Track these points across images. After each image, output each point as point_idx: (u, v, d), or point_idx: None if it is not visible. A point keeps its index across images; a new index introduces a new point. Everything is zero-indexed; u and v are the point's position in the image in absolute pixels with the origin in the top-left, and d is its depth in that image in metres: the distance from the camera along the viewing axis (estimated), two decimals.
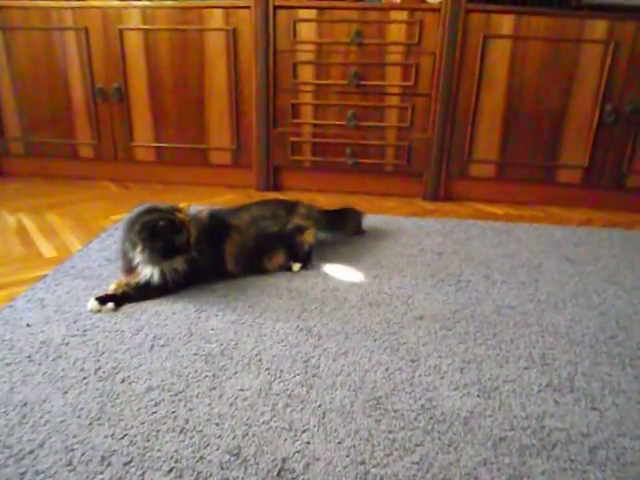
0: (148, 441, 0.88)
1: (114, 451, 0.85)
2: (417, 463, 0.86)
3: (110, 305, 1.28)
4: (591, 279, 1.55)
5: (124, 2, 2.12)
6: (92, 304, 1.28)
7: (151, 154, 2.32)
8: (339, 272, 1.53)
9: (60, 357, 1.09)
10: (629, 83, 2.00)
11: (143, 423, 0.92)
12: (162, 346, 1.14)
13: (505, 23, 1.97)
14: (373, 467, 0.85)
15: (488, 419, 0.97)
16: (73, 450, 0.85)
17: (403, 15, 2.00)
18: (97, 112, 2.28)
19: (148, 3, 2.11)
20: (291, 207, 1.59)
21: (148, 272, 1.33)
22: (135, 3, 2.11)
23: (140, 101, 2.24)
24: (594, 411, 1.00)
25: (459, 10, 1.95)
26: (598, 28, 1.95)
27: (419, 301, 1.38)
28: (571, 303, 1.41)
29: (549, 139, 2.11)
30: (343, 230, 1.78)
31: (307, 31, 2.06)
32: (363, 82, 2.09)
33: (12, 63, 2.26)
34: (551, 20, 1.95)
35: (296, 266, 1.53)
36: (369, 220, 1.93)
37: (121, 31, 2.14)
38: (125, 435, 0.89)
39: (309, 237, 1.55)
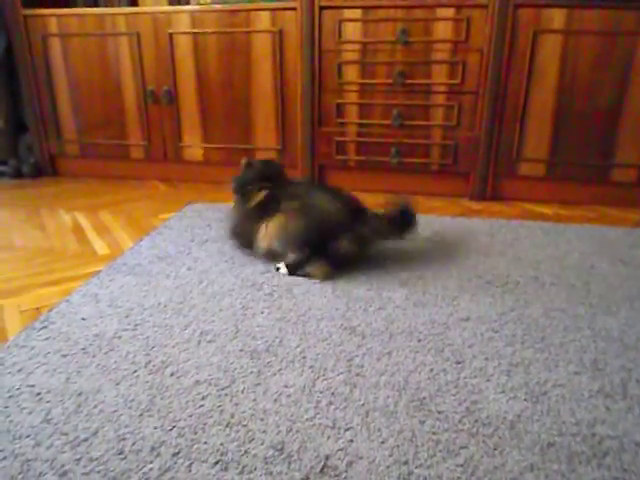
0: (195, 433, 0.90)
1: (163, 442, 0.88)
2: (461, 465, 0.85)
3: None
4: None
5: (174, 7, 2.18)
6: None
7: (199, 154, 2.37)
8: (384, 272, 1.52)
9: (112, 350, 1.13)
10: None
11: (191, 416, 0.94)
12: (209, 342, 1.17)
13: (556, 17, 1.91)
14: (416, 468, 0.84)
15: (536, 424, 0.94)
16: (124, 439, 0.88)
17: (449, 12, 1.97)
18: (148, 114, 2.35)
19: (197, 7, 2.16)
20: (359, 213, 1.51)
21: None
22: (184, 8, 2.17)
23: (189, 103, 2.30)
24: None
25: (508, 5, 1.91)
26: None
27: (465, 302, 1.36)
28: (625, 307, 1.35)
29: (602, 137, 2.03)
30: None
31: (352, 31, 2.06)
32: (409, 81, 2.08)
33: (69, 68, 2.36)
34: (605, 13, 1.88)
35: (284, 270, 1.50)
36: None
37: (171, 35, 2.20)
38: (174, 427, 0.91)
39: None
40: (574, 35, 1.92)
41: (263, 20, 2.11)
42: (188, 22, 2.17)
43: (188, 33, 2.19)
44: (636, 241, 1.77)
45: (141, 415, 0.94)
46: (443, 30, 2.00)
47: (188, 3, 2.33)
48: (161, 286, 1.41)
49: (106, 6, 2.44)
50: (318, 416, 0.94)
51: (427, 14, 1.99)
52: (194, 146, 2.36)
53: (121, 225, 1.90)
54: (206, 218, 1.93)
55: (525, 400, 1.00)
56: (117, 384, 1.02)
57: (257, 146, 2.30)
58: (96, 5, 2.48)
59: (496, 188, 2.19)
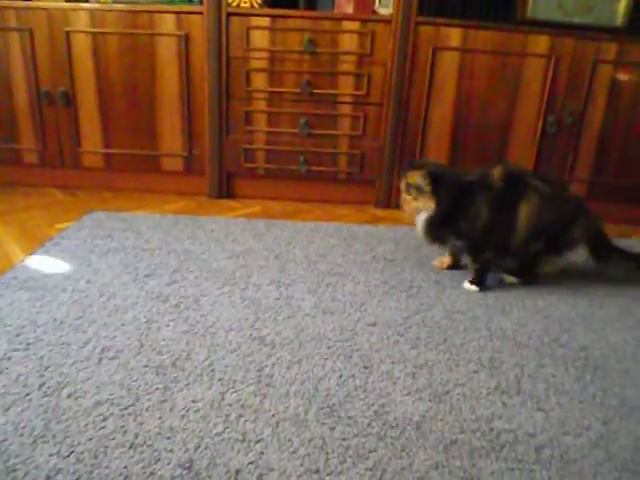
0: (96, 458, 0.85)
1: (59, 470, 0.82)
2: (371, 469, 0.87)
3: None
4: (536, 283, 1.61)
5: (71, 4, 2.06)
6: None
7: (99, 160, 2.25)
8: (292, 280, 1.53)
9: (1, 373, 1.04)
10: (569, 96, 2.10)
11: (91, 439, 0.89)
12: (111, 359, 1.11)
13: (453, 36, 2.03)
14: (327, 475, 0.85)
15: (439, 423, 0.99)
16: (15, 470, 0.81)
17: (355, 25, 2.03)
18: (42, 116, 2.20)
19: (97, 5, 2.06)
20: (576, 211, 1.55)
21: None
22: (83, 5, 2.06)
23: (88, 106, 2.18)
24: (540, 411, 1.04)
25: (409, 22, 2.00)
26: (540, 43, 2.04)
27: (372, 308, 1.40)
28: (517, 307, 1.46)
29: (496, 148, 2.18)
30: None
31: (260, 38, 2.06)
32: (316, 90, 2.11)
33: None
34: (497, 34, 2.02)
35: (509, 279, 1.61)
36: (322, 228, 1.94)
37: (68, 33, 2.07)
38: (71, 452, 0.86)
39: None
40: (469, 53, 2.05)
41: (168, 23, 2.05)
42: (87, 20, 2.06)
43: (87, 32, 2.07)
44: None
45: (34, 442, 0.87)
46: (349, 42, 2.05)
47: (87, 1, 2.21)
48: (57, 301, 1.32)
49: None
50: (228, 430, 0.93)
51: (333, 26, 2.03)
52: (94, 151, 2.24)
53: (12, 236, 1.76)
54: (108, 228, 1.83)
55: (429, 400, 1.05)
56: (6, 410, 0.94)
57: (162, 152, 2.23)
58: None
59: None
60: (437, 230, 1.52)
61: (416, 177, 1.45)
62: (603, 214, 2.25)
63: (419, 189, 1.47)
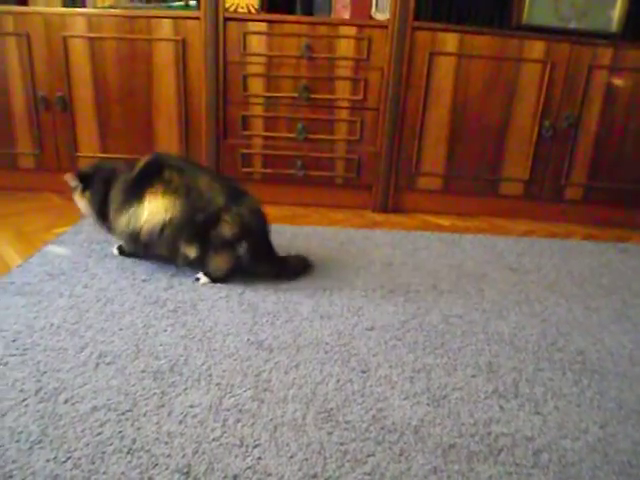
0: (93, 463, 0.84)
1: (56, 476, 0.82)
2: (369, 474, 0.86)
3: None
4: (533, 287, 1.61)
5: (68, 9, 2.07)
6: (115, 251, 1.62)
7: None
8: (290, 284, 1.53)
9: None
10: (565, 101, 2.11)
11: (88, 445, 0.88)
12: (108, 364, 1.10)
13: (450, 41, 2.04)
14: None
15: (437, 427, 0.99)
16: (12, 477, 0.81)
17: (352, 31, 2.04)
18: (39, 121, 2.20)
19: (94, 11, 2.06)
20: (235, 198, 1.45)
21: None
22: (80, 10, 2.06)
23: (85, 110, 2.18)
24: (537, 415, 1.04)
25: (406, 27, 2.01)
26: (536, 48, 2.05)
27: (369, 312, 1.40)
28: (514, 311, 1.46)
29: (492, 153, 2.19)
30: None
31: (257, 44, 2.06)
32: (313, 95, 2.11)
33: None
34: (493, 39, 2.04)
35: (204, 279, 1.50)
36: (320, 232, 1.94)
37: (65, 38, 2.08)
38: (68, 458, 0.85)
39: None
40: (466, 58, 2.06)
41: (165, 28, 2.05)
42: (84, 26, 2.06)
43: (84, 37, 2.08)
44: (523, 249, 1.92)
45: (31, 448, 0.87)
46: (346, 48, 2.06)
47: (84, 6, 2.22)
48: (54, 306, 1.32)
49: None
50: (225, 435, 0.92)
51: (330, 31, 2.04)
52: (92, 156, 2.23)
53: (8, 240, 1.75)
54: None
55: (427, 405, 1.05)
56: (3, 415, 0.94)
57: None
58: None
59: (397, 201, 2.28)
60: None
61: (67, 179, 1.55)
62: (599, 218, 2.30)
63: (74, 190, 1.57)
